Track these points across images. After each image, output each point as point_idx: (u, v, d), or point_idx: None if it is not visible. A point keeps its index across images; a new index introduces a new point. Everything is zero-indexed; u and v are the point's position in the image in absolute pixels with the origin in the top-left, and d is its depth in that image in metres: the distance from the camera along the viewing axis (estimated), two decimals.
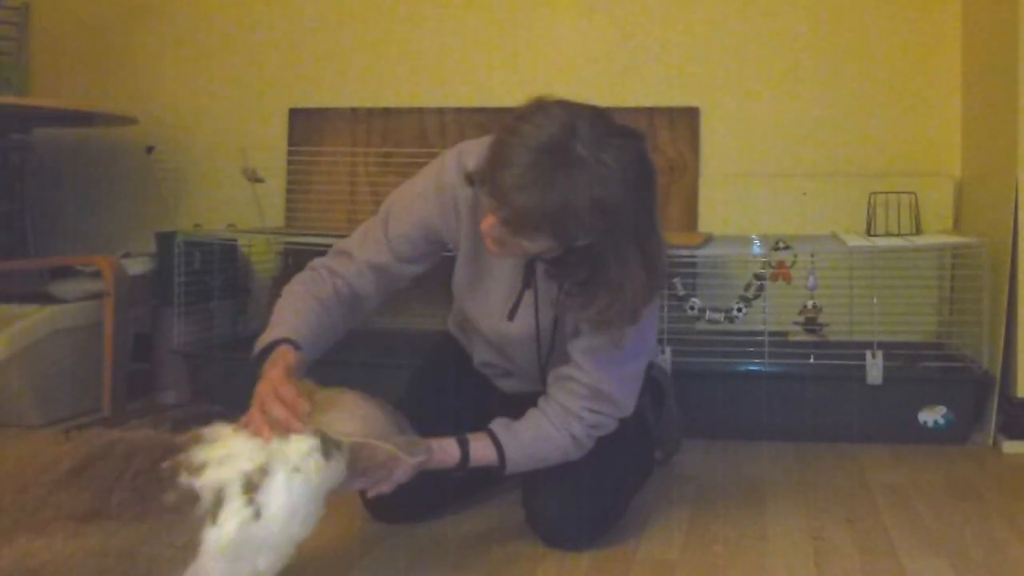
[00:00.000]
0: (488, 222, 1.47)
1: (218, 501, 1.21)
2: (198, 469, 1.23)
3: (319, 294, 1.67)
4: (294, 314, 1.63)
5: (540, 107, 1.43)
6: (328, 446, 1.34)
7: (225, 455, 1.26)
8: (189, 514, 1.20)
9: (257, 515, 1.23)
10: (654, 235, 1.51)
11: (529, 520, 1.77)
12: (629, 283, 1.48)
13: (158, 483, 1.21)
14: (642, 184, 1.46)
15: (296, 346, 1.56)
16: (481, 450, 1.65)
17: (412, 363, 2.11)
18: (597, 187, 1.39)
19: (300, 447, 1.30)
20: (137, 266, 2.80)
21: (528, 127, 1.40)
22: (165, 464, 1.23)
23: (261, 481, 1.25)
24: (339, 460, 1.36)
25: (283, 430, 1.32)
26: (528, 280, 1.69)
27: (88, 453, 1.21)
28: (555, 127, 1.40)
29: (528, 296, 1.70)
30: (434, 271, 1.81)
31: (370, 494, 1.55)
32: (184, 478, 1.22)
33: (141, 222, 3.30)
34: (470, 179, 1.56)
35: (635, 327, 1.56)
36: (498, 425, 1.68)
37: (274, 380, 1.40)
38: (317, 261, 1.74)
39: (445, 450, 1.63)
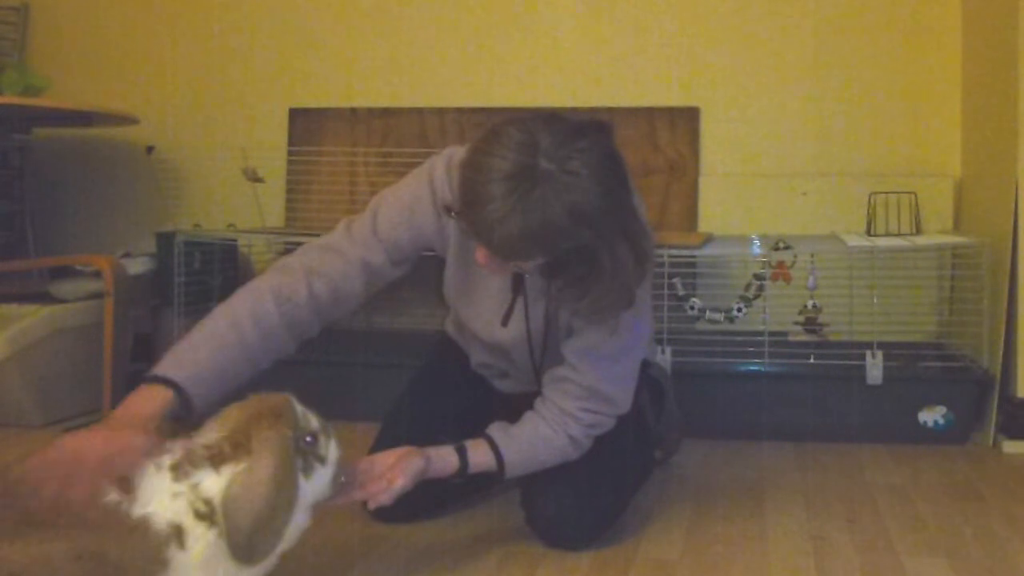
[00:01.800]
0: (481, 253, 1.48)
1: (178, 531, 1.21)
2: (145, 498, 1.22)
3: (271, 311, 1.56)
4: (209, 345, 1.51)
5: (495, 135, 1.42)
6: (309, 458, 1.33)
7: (162, 489, 1.23)
8: (148, 533, 1.19)
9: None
10: (635, 220, 1.51)
11: (529, 520, 1.77)
12: (620, 269, 1.48)
13: (119, 493, 1.20)
14: (614, 179, 1.44)
15: (182, 391, 1.45)
16: (479, 456, 1.65)
17: (412, 363, 2.11)
18: (571, 196, 1.38)
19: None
20: (137, 266, 2.79)
21: (490, 159, 1.39)
22: (127, 477, 1.22)
23: (211, 510, 1.23)
24: (321, 473, 1.34)
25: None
26: (517, 287, 1.69)
27: (45, 457, 1.21)
28: (514, 151, 1.38)
29: (519, 301, 1.70)
30: (432, 272, 1.81)
31: (370, 506, 1.56)
32: (137, 501, 1.21)
33: (141, 222, 3.30)
34: (448, 210, 1.55)
35: (632, 311, 1.56)
36: (495, 430, 1.68)
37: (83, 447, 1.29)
38: (291, 260, 1.65)
39: (444, 458, 1.63)
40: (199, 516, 1.22)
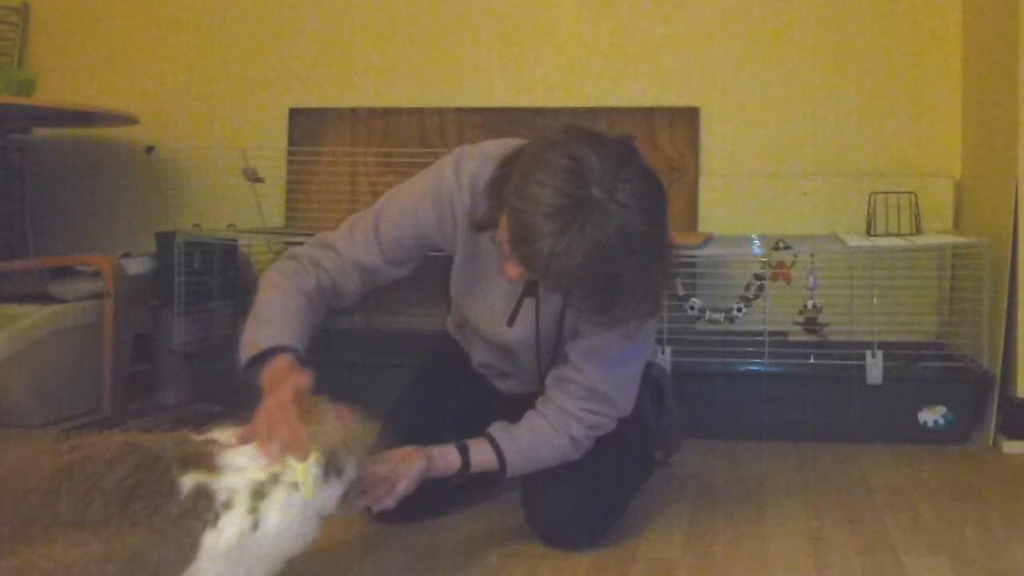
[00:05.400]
0: (514, 270, 1.46)
1: (227, 505, 1.22)
2: (218, 470, 1.24)
3: (304, 288, 1.63)
4: (286, 314, 1.58)
5: (543, 160, 1.39)
6: (328, 470, 1.33)
7: (235, 462, 1.26)
8: (200, 513, 1.20)
9: (255, 526, 1.23)
10: (669, 239, 1.50)
11: (529, 520, 1.77)
12: (650, 283, 1.48)
13: (165, 486, 1.20)
14: (657, 205, 1.45)
15: (295, 354, 1.52)
16: (481, 455, 1.66)
17: (412, 363, 2.11)
18: (620, 223, 1.38)
19: (300, 466, 1.30)
20: (137, 266, 2.79)
21: (537, 190, 1.37)
22: (178, 465, 1.22)
23: (270, 491, 1.25)
24: (335, 486, 1.35)
25: (286, 452, 1.31)
26: (530, 289, 1.68)
27: (81, 456, 1.20)
28: (563, 180, 1.37)
29: (529, 303, 1.69)
30: (432, 271, 1.81)
31: (375, 509, 1.56)
32: (200, 478, 1.22)
33: (141, 222, 3.30)
34: (479, 227, 1.55)
35: (656, 318, 1.56)
36: (497, 429, 1.68)
37: (282, 400, 1.37)
38: (299, 250, 1.69)
39: (446, 458, 1.63)
40: (255, 495, 1.23)
